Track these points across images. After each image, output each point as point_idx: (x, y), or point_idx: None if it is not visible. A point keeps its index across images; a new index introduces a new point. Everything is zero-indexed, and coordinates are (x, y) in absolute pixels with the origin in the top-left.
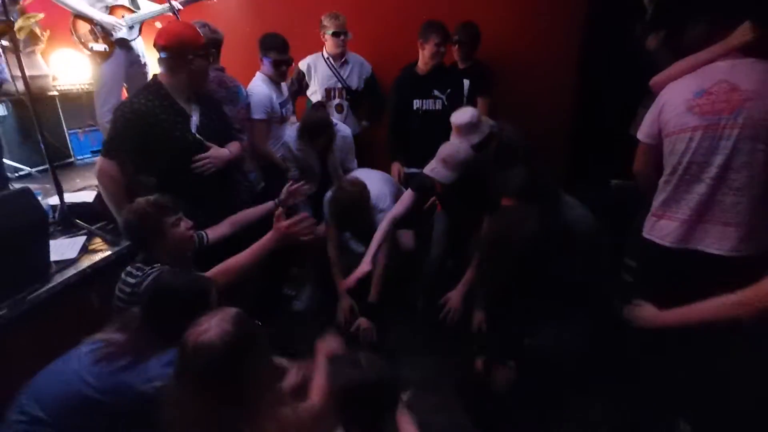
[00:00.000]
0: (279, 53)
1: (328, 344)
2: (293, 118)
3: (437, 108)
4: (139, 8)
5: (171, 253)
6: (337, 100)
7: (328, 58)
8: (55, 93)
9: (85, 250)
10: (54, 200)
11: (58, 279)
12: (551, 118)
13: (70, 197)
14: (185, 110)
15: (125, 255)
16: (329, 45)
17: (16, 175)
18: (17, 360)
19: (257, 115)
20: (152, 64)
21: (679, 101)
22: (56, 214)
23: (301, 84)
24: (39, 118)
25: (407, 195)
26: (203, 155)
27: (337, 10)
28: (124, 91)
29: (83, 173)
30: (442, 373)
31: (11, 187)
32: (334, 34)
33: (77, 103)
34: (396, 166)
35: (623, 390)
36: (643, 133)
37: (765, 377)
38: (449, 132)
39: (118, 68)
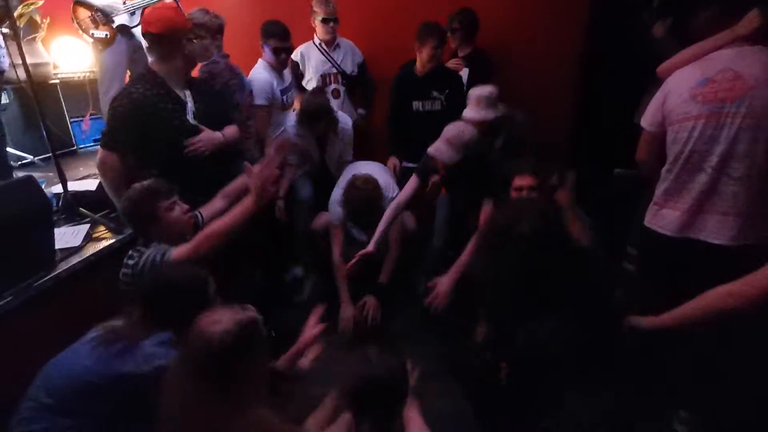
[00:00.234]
0: (280, 41)
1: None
2: (296, 104)
3: (436, 108)
4: None
5: (169, 236)
6: (333, 86)
7: (320, 44)
8: (57, 81)
9: (89, 238)
10: (57, 189)
11: (63, 267)
12: (554, 106)
13: (73, 185)
14: (181, 97)
15: (129, 242)
16: (319, 31)
17: (20, 163)
18: (23, 347)
19: (258, 100)
20: None
21: (683, 89)
22: (60, 203)
23: (297, 75)
24: (41, 106)
25: (411, 181)
26: (195, 138)
27: None
28: (128, 77)
29: (86, 161)
30: (445, 359)
31: (15, 176)
32: (324, 21)
33: (79, 91)
34: (393, 160)
35: (623, 390)
36: (646, 121)
37: (764, 375)
38: None
39: (121, 55)
